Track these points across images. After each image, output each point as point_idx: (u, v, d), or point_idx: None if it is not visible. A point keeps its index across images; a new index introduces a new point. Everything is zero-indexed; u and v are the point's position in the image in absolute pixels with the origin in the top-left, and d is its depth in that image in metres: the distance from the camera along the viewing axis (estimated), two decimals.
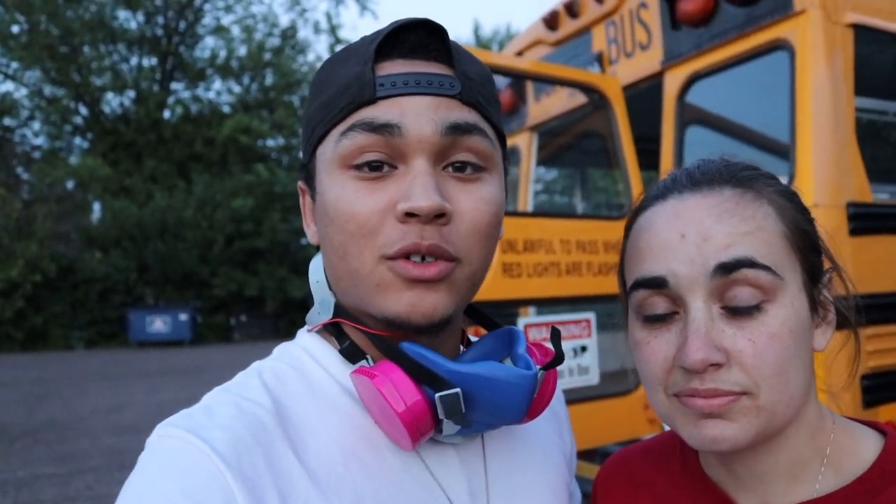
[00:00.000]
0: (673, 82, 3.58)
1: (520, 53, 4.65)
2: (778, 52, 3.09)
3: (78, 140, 37.21)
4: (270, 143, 38.68)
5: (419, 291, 0.79)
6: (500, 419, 0.82)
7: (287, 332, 33.02)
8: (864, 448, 0.83)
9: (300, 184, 0.93)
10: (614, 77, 3.89)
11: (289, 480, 0.75)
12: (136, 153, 35.20)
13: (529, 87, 4.67)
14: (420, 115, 0.79)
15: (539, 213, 4.16)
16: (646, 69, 3.79)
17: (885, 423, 0.87)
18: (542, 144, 4.84)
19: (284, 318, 33.78)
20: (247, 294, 32.41)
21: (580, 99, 4.17)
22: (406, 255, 0.78)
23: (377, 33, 0.83)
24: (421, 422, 0.77)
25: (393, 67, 0.81)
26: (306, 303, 0.95)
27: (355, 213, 0.79)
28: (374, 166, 0.79)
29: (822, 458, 0.83)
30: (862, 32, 3.06)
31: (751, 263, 0.75)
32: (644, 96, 3.93)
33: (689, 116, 3.63)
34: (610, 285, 3.42)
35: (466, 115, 0.82)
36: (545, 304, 3.66)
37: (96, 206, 35.01)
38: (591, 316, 3.58)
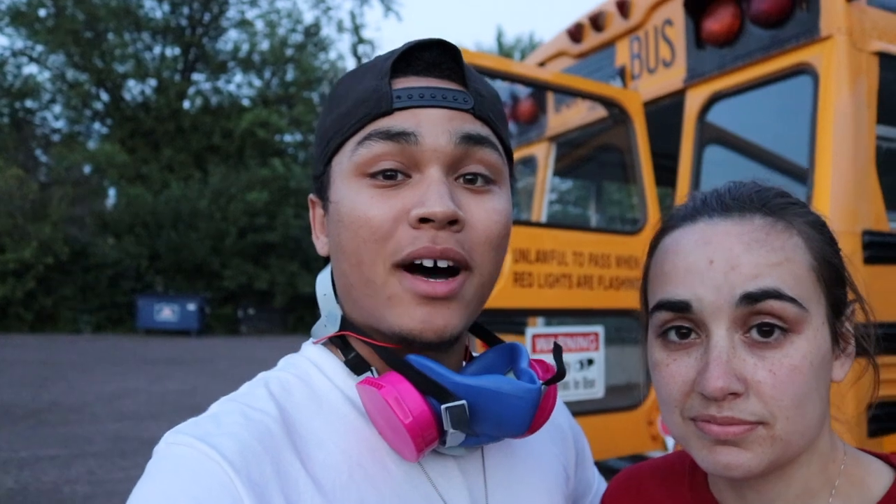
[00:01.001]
0: (694, 101, 3.57)
1: (542, 64, 4.65)
2: (802, 76, 3.08)
3: (97, 125, 37.58)
4: (288, 138, 38.86)
5: (431, 308, 0.80)
6: (504, 432, 0.83)
7: (294, 327, 33.14)
8: (875, 481, 0.83)
9: (311, 196, 0.95)
10: (636, 92, 3.88)
11: (295, 488, 0.75)
12: (155, 141, 35.44)
13: (550, 97, 4.67)
14: (435, 126, 0.81)
15: (553, 224, 4.15)
16: (668, 86, 3.79)
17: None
18: (559, 155, 4.84)
19: (293, 314, 33.85)
20: (256, 287, 32.50)
21: (600, 112, 4.17)
22: (416, 261, 0.79)
23: (393, 51, 0.86)
24: (426, 433, 0.78)
25: (408, 82, 0.84)
26: (315, 299, 0.96)
27: (369, 218, 0.80)
28: (389, 175, 0.81)
29: (830, 489, 0.83)
30: (886, 61, 3.06)
31: (777, 295, 0.75)
32: (664, 113, 3.93)
33: (709, 136, 3.62)
34: (620, 300, 3.44)
35: (479, 128, 0.84)
36: (554, 315, 3.66)
37: (111, 192, 35.27)
38: (599, 329, 3.57)
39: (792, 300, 0.76)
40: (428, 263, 0.80)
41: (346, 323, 0.89)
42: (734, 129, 3.77)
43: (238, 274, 32.37)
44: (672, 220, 0.88)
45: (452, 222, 0.79)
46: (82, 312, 30.82)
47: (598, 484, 1.18)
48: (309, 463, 0.79)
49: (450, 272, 0.81)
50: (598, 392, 3.48)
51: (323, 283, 0.94)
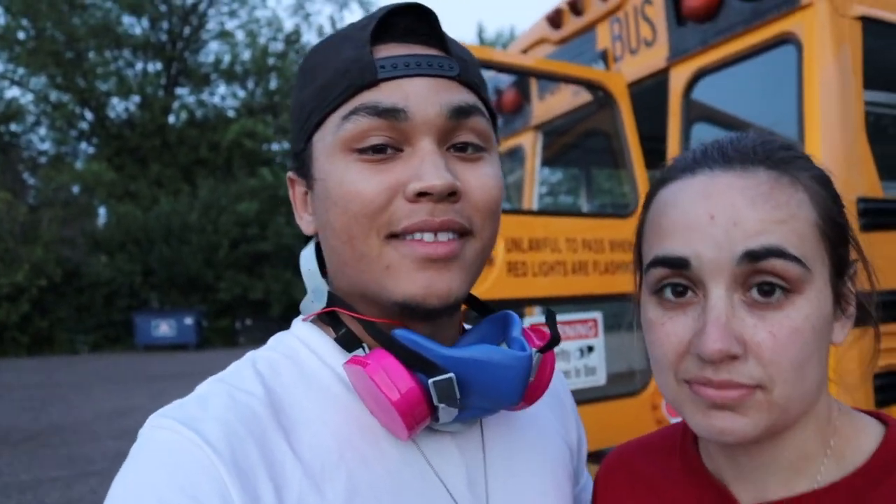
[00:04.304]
0: (679, 79, 3.53)
1: (524, 52, 4.61)
2: (785, 46, 3.04)
3: (83, 145, 37.42)
4: (275, 146, 38.76)
5: (432, 272, 0.78)
6: (497, 403, 0.81)
7: None
8: (866, 438, 0.81)
9: (290, 174, 0.92)
10: (619, 74, 3.85)
11: (282, 471, 0.74)
12: (142, 158, 35.30)
13: (534, 85, 4.63)
14: (424, 98, 0.79)
15: (544, 211, 4.11)
16: (651, 66, 3.75)
17: (888, 415, 0.84)
18: (546, 144, 4.79)
19: (290, 322, 33.60)
20: (252, 298, 32.42)
21: (585, 97, 4.13)
22: (414, 233, 0.78)
23: (369, 18, 0.83)
24: (416, 410, 0.76)
25: (389, 50, 0.81)
26: None
27: (360, 192, 0.78)
28: (378, 149, 0.79)
29: (825, 450, 0.80)
30: (870, 25, 3.02)
31: (780, 253, 0.72)
32: (649, 94, 3.89)
33: (696, 113, 3.58)
34: (617, 284, 3.41)
35: (466, 97, 0.83)
36: (551, 304, 3.62)
37: (101, 211, 35.12)
38: (597, 316, 3.53)
39: (795, 259, 0.72)
40: (428, 238, 0.78)
41: (333, 298, 0.87)
42: (720, 104, 3.74)
43: (233, 285, 32.30)
44: (670, 172, 0.84)
45: (451, 194, 0.78)
46: (79, 332, 30.66)
47: (586, 480, 1.13)
48: (297, 445, 0.77)
49: (448, 239, 0.80)
50: (599, 379, 3.44)
51: (307, 259, 0.92)
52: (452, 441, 0.87)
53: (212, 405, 0.76)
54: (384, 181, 0.78)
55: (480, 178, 0.83)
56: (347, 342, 0.86)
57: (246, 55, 38.58)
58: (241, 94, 39.60)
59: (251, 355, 0.88)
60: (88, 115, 36.19)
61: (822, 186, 0.78)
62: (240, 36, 38.89)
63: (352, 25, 0.86)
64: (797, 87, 2.92)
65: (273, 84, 39.14)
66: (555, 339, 0.85)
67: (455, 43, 0.86)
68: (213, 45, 41.04)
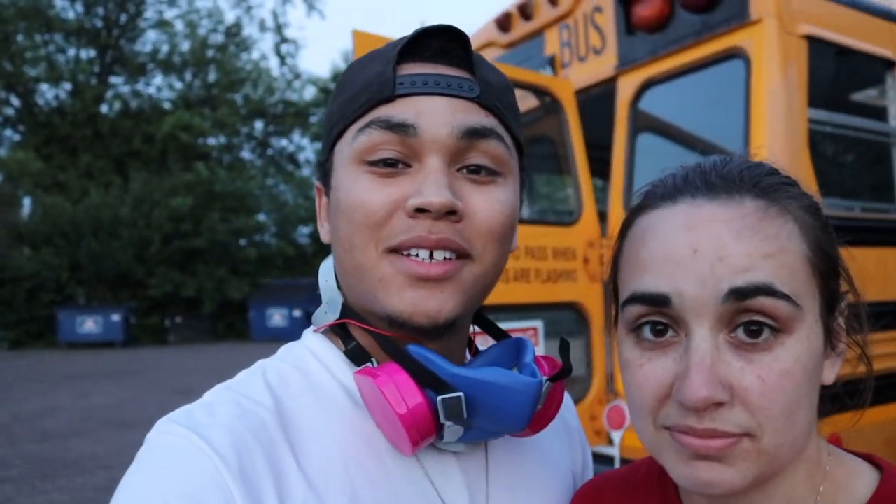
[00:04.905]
0: (626, 88, 3.53)
1: None
2: (733, 60, 3.06)
3: (8, 132, 35.94)
4: (212, 141, 38.05)
5: (424, 291, 0.78)
6: (503, 427, 0.81)
7: (223, 334, 32.51)
8: (860, 484, 0.76)
9: (316, 183, 0.94)
10: (567, 80, 3.82)
11: (286, 482, 0.74)
12: (72, 147, 34.17)
13: None
14: (436, 117, 0.80)
15: None
16: (599, 74, 3.74)
17: (881, 458, 0.79)
18: None
19: (222, 321, 33.19)
20: (183, 295, 31.73)
21: (531, 102, 4.10)
22: (409, 249, 0.78)
23: (402, 38, 0.84)
24: (421, 425, 0.76)
25: (414, 69, 0.83)
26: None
27: (364, 203, 0.79)
28: (389, 163, 0.80)
29: (815, 496, 0.75)
30: (815, 44, 3.06)
31: (769, 291, 0.66)
32: (595, 102, 3.88)
33: (642, 123, 3.59)
34: (558, 293, 3.36)
35: (484, 120, 0.82)
36: (492, 312, 3.56)
37: (27, 202, 33.84)
38: (538, 324, 3.50)
39: (785, 297, 0.66)
40: (423, 255, 0.78)
41: (346, 310, 0.87)
42: (667, 116, 3.75)
43: (164, 282, 31.55)
44: (648, 200, 0.77)
45: (451, 213, 0.78)
46: None
47: None
48: (302, 457, 0.77)
49: (444, 259, 0.79)
50: None
51: (325, 272, 0.93)
52: (456, 461, 0.87)
53: (220, 413, 0.77)
54: (389, 194, 0.79)
55: (488, 202, 0.81)
56: (356, 356, 0.86)
57: (185, 46, 37.74)
58: (179, 85, 38.75)
59: (261, 364, 0.88)
60: (15, 100, 34.84)
61: (812, 216, 0.73)
62: (179, 26, 38.05)
63: (389, 43, 0.86)
64: (744, 101, 2.94)
65: (212, 77, 38.39)
66: (566, 370, 0.85)
67: (488, 67, 0.87)
68: (151, 34, 40.12)
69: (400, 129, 0.79)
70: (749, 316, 0.66)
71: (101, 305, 29.60)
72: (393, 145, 0.79)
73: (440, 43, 0.83)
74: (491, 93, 0.84)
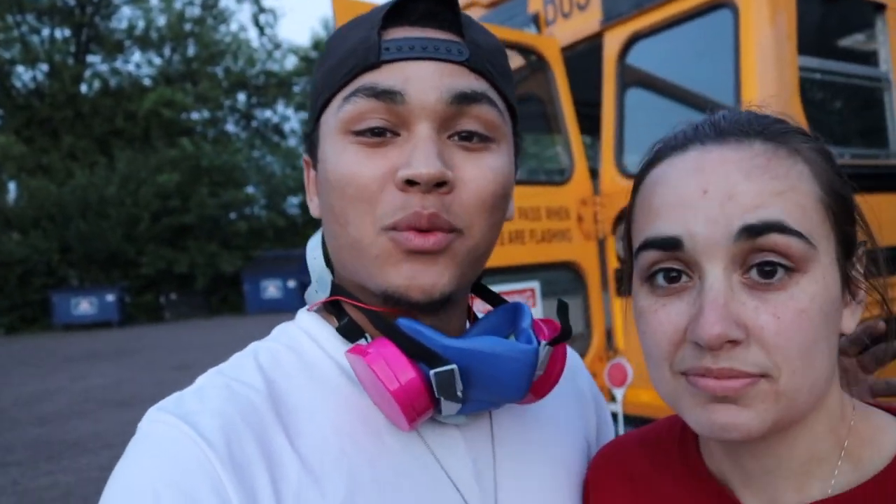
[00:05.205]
0: (613, 43, 3.49)
1: None
2: (721, 10, 3.02)
3: None
4: (195, 115, 37.64)
5: (418, 265, 0.76)
6: (500, 397, 0.80)
7: (218, 308, 32.55)
8: (886, 439, 0.74)
9: (304, 157, 0.91)
10: (553, 38, 3.78)
11: (280, 465, 0.73)
12: (53, 129, 33.73)
13: None
14: (424, 82, 0.77)
15: None
16: (584, 30, 3.70)
17: None
18: None
19: (216, 295, 33.21)
20: (176, 271, 31.68)
21: (517, 61, 4.05)
22: (408, 228, 0.75)
23: (388, 2, 0.81)
24: (416, 400, 0.74)
25: (400, 33, 0.80)
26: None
27: (355, 176, 0.77)
28: (377, 132, 0.77)
29: (839, 451, 0.74)
30: None
31: (781, 228, 0.65)
32: (581, 59, 3.83)
33: (630, 78, 3.55)
34: (553, 253, 3.36)
35: (474, 83, 0.79)
36: (488, 275, 3.56)
37: (11, 186, 33.52)
38: (535, 285, 3.49)
39: (798, 234, 0.65)
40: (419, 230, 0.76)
41: (336, 287, 0.86)
42: (656, 69, 3.71)
43: (156, 259, 31.46)
44: (660, 152, 0.77)
45: (441, 184, 0.75)
46: None
47: None
48: (296, 439, 0.76)
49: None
50: None
51: (313, 248, 0.91)
52: (459, 434, 0.85)
53: (209, 398, 0.76)
54: (379, 166, 0.76)
55: (480, 170, 0.79)
56: (349, 332, 0.84)
57: (161, 21, 37.13)
58: (158, 61, 38.21)
59: (254, 346, 0.87)
60: None
61: (823, 158, 0.72)
62: (154, 0, 37.38)
63: (375, 8, 0.83)
64: (733, 51, 2.91)
65: (191, 51, 37.86)
66: (566, 332, 0.82)
67: (477, 29, 0.83)
68: (126, 11, 39.53)
69: (386, 96, 0.76)
70: (762, 256, 0.66)
71: (94, 286, 29.52)
72: (380, 113, 0.77)
73: (427, 6, 0.80)
74: (481, 55, 0.81)
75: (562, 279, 3.79)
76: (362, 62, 0.78)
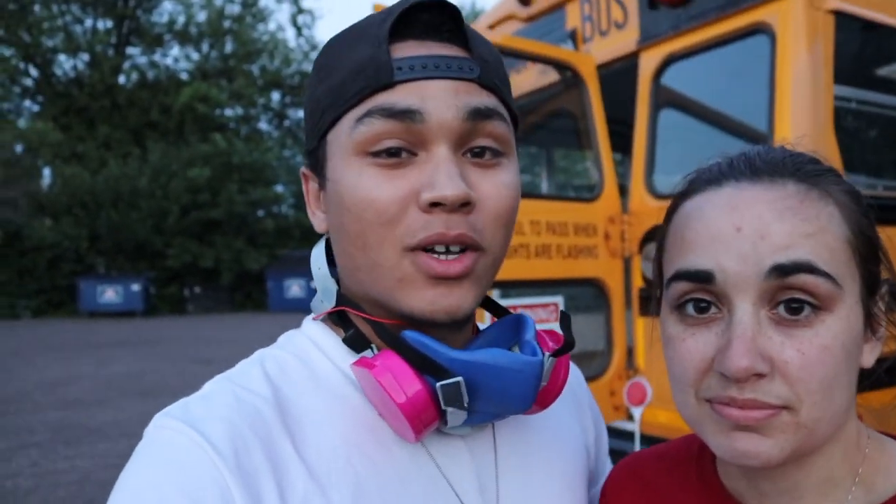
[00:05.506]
0: (648, 63, 3.49)
1: (491, 28, 4.52)
2: (758, 35, 3.02)
3: (27, 103, 36.22)
4: (229, 112, 38.08)
5: (443, 289, 0.77)
6: (506, 408, 0.80)
7: (242, 304, 32.78)
8: None
9: (303, 169, 0.90)
10: (589, 55, 3.79)
11: (286, 473, 0.73)
12: (90, 118, 34.33)
13: None
14: (441, 101, 0.76)
15: None
16: (621, 49, 3.70)
17: None
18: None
19: (240, 291, 33.48)
20: (202, 265, 32.01)
21: (552, 77, 4.07)
22: (430, 246, 0.76)
23: (387, 12, 0.80)
24: (423, 413, 0.75)
25: (407, 49, 0.79)
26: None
27: (374, 200, 0.76)
28: (393, 153, 0.77)
29: (853, 477, 0.77)
30: (842, 19, 3.01)
31: (810, 268, 0.68)
32: (616, 77, 3.84)
33: (664, 99, 3.55)
34: (579, 269, 3.36)
35: (486, 100, 0.80)
36: (514, 288, 3.58)
37: (46, 172, 34.10)
38: (559, 300, 3.51)
39: (826, 275, 0.68)
40: (440, 249, 0.77)
41: (342, 298, 0.86)
42: (690, 92, 3.71)
43: (182, 252, 31.82)
44: (694, 184, 0.80)
45: (464, 204, 0.75)
46: (20, 297, 29.90)
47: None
48: (303, 447, 0.76)
49: (460, 251, 0.78)
50: None
51: (317, 258, 0.90)
52: (463, 444, 0.85)
53: (216, 405, 0.76)
54: (399, 188, 0.76)
55: (496, 187, 0.80)
56: (355, 342, 0.84)
57: (201, 16, 37.69)
58: (195, 56, 38.77)
59: (260, 354, 0.87)
60: (33, 71, 35.00)
61: (852, 201, 0.75)
62: None
63: (369, 19, 0.82)
64: (769, 77, 2.91)
65: (228, 48, 38.31)
66: (569, 344, 0.83)
67: (479, 40, 0.82)
68: (167, 5, 40.24)
69: (405, 116, 0.75)
70: (790, 293, 0.69)
71: (121, 275, 29.93)
72: (397, 134, 0.76)
73: (431, 17, 0.79)
74: (489, 70, 0.81)
75: (585, 295, 3.79)
76: (374, 82, 0.76)
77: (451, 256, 0.76)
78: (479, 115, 0.78)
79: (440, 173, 0.75)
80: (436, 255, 0.76)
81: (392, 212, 0.76)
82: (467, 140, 0.78)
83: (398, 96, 0.76)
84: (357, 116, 0.77)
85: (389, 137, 0.76)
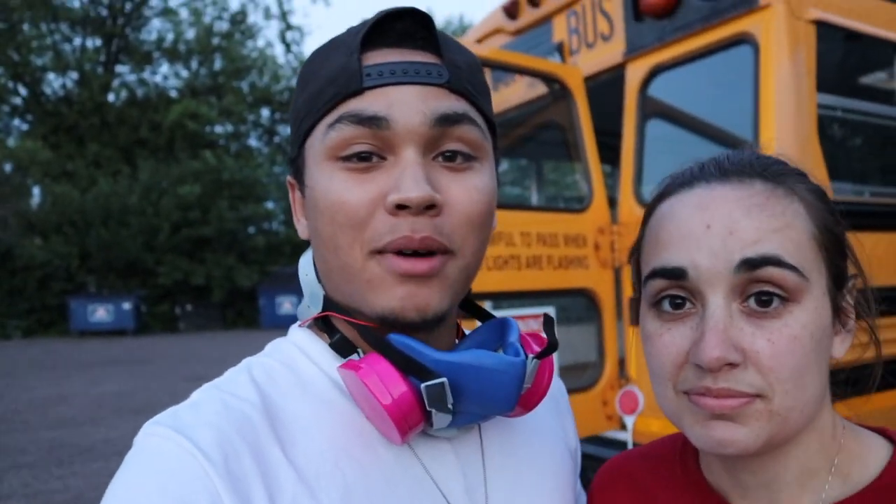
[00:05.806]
0: (635, 74, 3.53)
1: (479, 41, 4.57)
2: (742, 46, 3.06)
3: (17, 121, 36.09)
4: (218, 129, 38.09)
5: (412, 286, 0.78)
6: (490, 409, 0.81)
7: (234, 322, 32.65)
8: (873, 456, 0.81)
9: (289, 178, 0.92)
10: (576, 67, 3.83)
11: (275, 478, 0.74)
12: (79, 137, 34.27)
13: (487, 76, 4.57)
14: (408, 106, 0.78)
15: (500, 204, 4.09)
16: (607, 60, 3.75)
17: (894, 432, 0.84)
18: (498, 135, 4.75)
19: (231, 308, 33.36)
20: (193, 283, 31.90)
21: (539, 89, 4.11)
22: (397, 251, 0.77)
23: (363, 23, 0.82)
24: (409, 414, 0.76)
25: (379, 57, 0.80)
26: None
27: (344, 203, 0.78)
28: (363, 157, 0.78)
29: (830, 467, 0.80)
30: (823, 29, 3.06)
31: (777, 262, 0.72)
32: (603, 89, 3.88)
33: (651, 110, 3.59)
34: (570, 279, 3.38)
35: (455, 105, 0.81)
36: (505, 299, 3.60)
37: (36, 191, 33.99)
38: (550, 310, 3.52)
39: (792, 268, 0.72)
40: (407, 252, 0.77)
41: (328, 303, 0.87)
42: (676, 102, 3.75)
43: (173, 270, 31.72)
44: (668, 188, 0.84)
45: (430, 206, 0.77)
46: (10, 317, 29.72)
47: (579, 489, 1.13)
48: (292, 452, 0.77)
49: (429, 254, 0.79)
50: None
51: (305, 266, 0.92)
52: (450, 446, 0.87)
53: (205, 412, 0.76)
54: (367, 192, 0.77)
55: (467, 191, 0.81)
56: (341, 347, 0.85)
57: (190, 34, 37.73)
58: (185, 73, 38.75)
59: (247, 362, 0.88)
60: (22, 90, 34.93)
61: (817, 198, 0.79)
62: (184, 14, 38.08)
63: (349, 30, 0.84)
64: (753, 86, 2.95)
65: (218, 65, 38.36)
66: (552, 345, 0.85)
67: (455, 48, 0.84)
68: (156, 23, 40.12)
69: (372, 122, 0.77)
70: (759, 286, 0.72)
71: (111, 294, 29.80)
72: (366, 139, 0.78)
73: (404, 26, 0.81)
74: (460, 76, 0.82)
75: (577, 306, 3.81)
76: (344, 89, 0.79)
77: (420, 254, 0.77)
78: (447, 120, 0.79)
79: (406, 177, 0.76)
80: (402, 257, 0.77)
81: (361, 215, 0.77)
82: (437, 144, 0.80)
83: (366, 102, 0.78)
84: (329, 123, 0.79)
85: (358, 142, 0.78)
